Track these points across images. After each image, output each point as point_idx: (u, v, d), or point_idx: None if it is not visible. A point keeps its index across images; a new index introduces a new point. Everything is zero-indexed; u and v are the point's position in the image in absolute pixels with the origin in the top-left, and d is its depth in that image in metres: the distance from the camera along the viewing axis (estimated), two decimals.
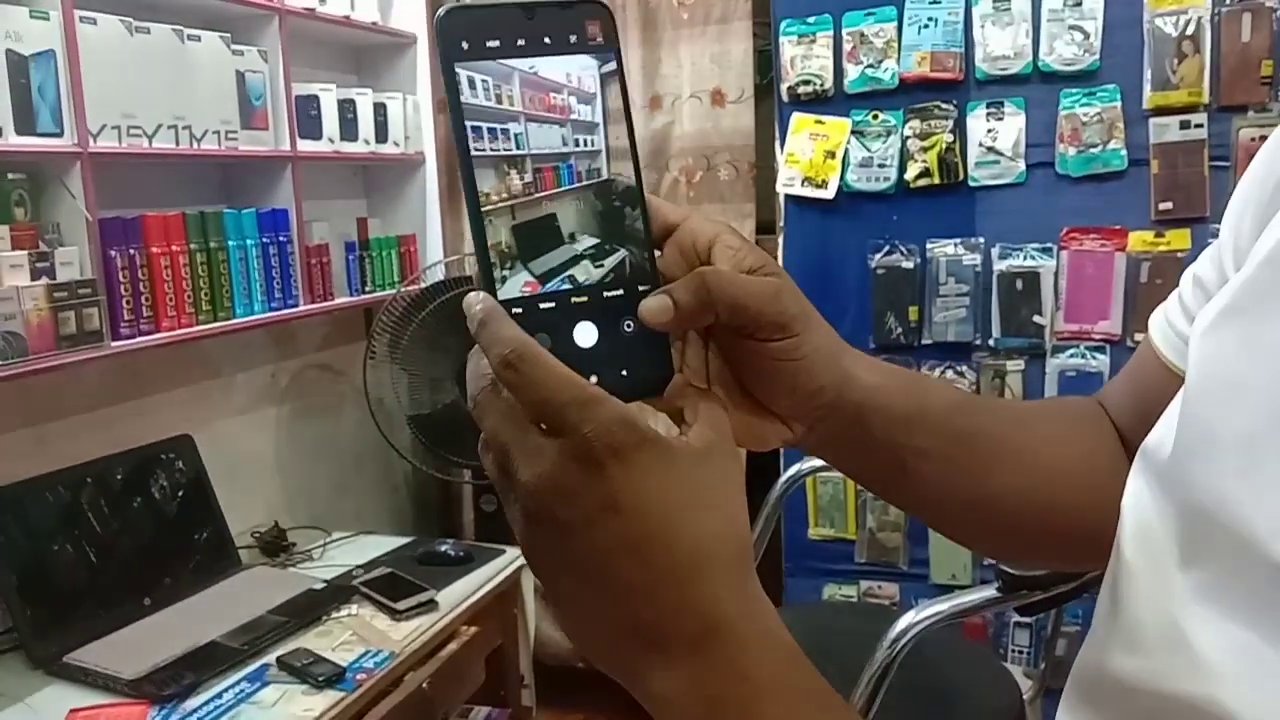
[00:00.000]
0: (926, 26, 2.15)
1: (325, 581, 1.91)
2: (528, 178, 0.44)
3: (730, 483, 0.43)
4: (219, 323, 1.98)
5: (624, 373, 0.43)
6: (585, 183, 0.46)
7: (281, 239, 2.14)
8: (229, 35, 2.00)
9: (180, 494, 1.96)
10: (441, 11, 0.42)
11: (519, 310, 0.42)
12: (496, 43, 0.42)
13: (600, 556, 0.41)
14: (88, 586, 1.73)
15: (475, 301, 0.42)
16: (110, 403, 1.95)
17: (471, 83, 0.43)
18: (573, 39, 0.44)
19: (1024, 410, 0.64)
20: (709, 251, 0.48)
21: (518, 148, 0.44)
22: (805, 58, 2.24)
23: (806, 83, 2.24)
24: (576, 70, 0.45)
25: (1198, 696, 0.39)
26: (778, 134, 2.31)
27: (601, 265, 0.45)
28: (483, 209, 0.43)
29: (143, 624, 1.74)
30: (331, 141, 2.31)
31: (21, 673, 1.59)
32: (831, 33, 2.22)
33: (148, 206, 1.90)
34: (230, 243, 2.01)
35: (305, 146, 2.22)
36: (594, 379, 0.41)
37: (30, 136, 1.60)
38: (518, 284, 0.43)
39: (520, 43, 0.43)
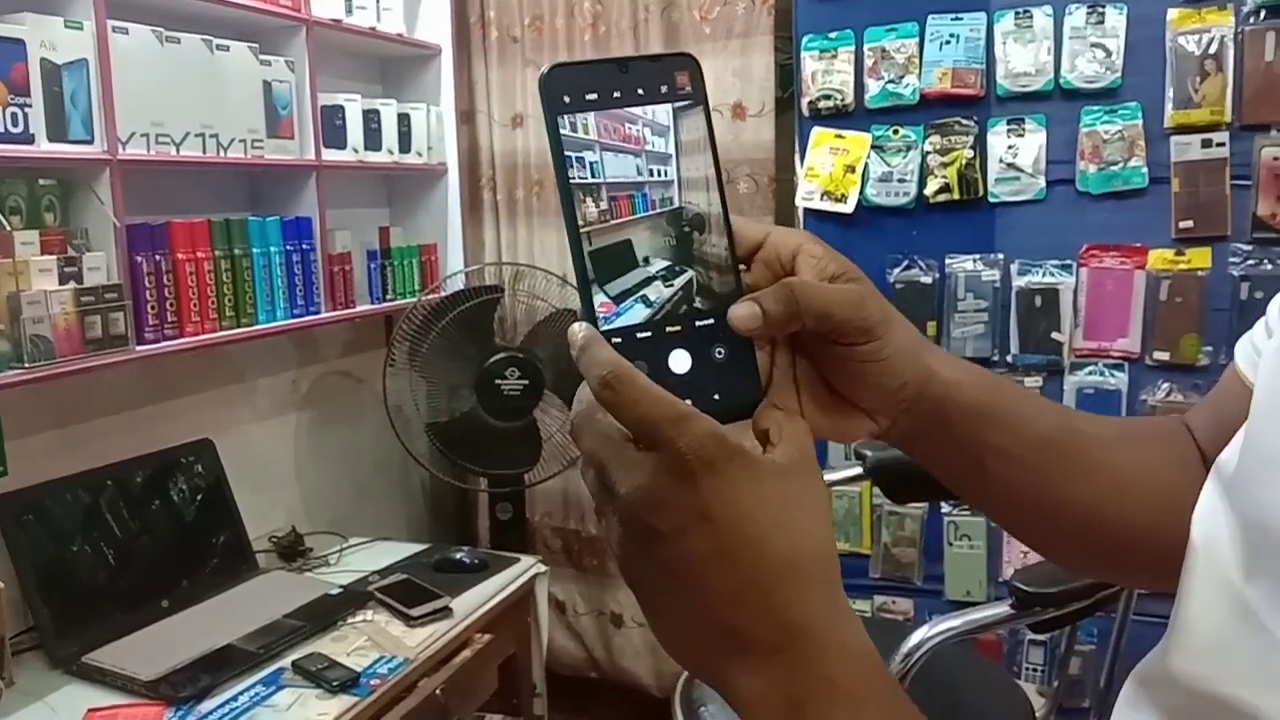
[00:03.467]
0: (948, 43, 2.15)
1: (341, 587, 1.92)
2: (604, 205, 0.48)
3: (816, 500, 0.45)
4: (242, 329, 2.01)
5: (716, 397, 0.46)
6: (658, 210, 0.49)
7: (305, 247, 2.16)
8: (257, 45, 2.02)
9: (200, 498, 1.98)
10: (545, 69, 0.46)
11: (618, 340, 0.45)
12: (595, 95, 0.47)
13: (692, 564, 0.42)
14: (107, 588, 1.75)
15: (578, 330, 0.45)
16: (135, 406, 1.97)
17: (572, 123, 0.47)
18: (664, 89, 0.48)
19: (1108, 425, 0.65)
20: (793, 262, 0.50)
21: (593, 176, 0.48)
22: (826, 72, 2.25)
23: (827, 97, 2.25)
24: (651, 109, 0.49)
25: (1245, 700, 0.43)
26: (798, 148, 2.32)
27: (671, 284, 0.48)
28: (583, 240, 0.46)
29: (160, 626, 1.76)
30: (356, 151, 2.34)
31: (41, 671, 1.62)
32: (853, 48, 2.22)
33: (174, 213, 1.92)
34: (254, 250, 2.04)
35: (330, 156, 2.25)
36: (689, 403, 0.44)
37: (61, 144, 1.62)
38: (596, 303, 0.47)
39: (616, 94, 0.47)
